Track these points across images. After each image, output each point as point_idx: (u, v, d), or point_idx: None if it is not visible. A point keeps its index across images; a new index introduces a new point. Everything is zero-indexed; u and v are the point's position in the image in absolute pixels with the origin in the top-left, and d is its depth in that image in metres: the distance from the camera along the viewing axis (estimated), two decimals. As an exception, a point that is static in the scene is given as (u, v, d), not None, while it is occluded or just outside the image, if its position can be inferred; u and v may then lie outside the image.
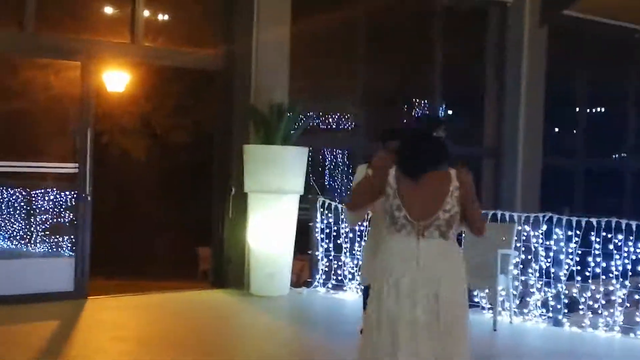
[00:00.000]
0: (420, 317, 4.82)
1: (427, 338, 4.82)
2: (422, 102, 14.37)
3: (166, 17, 11.46)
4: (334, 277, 11.10)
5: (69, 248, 10.37)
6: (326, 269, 11.18)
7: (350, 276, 10.96)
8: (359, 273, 5.94)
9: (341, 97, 13.46)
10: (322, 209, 11.18)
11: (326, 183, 13.78)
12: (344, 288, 10.97)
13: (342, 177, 13.86)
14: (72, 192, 10.36)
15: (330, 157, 13.98)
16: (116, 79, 12.44)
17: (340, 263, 11.06)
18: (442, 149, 5.05)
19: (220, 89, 11.58)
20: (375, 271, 5.03)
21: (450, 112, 14.55)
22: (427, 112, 13.89)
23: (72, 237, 10.31)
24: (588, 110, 15.97)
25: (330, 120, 13.65)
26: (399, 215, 4.88)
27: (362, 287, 5.99)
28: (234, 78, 11.36)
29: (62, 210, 10.51)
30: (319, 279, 11.22)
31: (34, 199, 10.74)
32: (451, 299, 4.89)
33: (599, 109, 16.64)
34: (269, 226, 10.63)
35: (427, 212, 4.87)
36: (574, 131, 15.87)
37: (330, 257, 11.14)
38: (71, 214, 10.37)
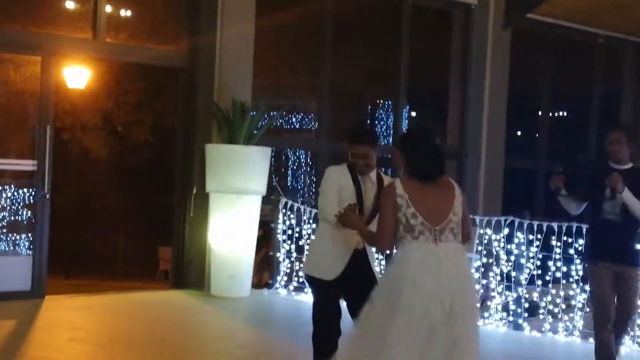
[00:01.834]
0: (441, 319, 4.85)
1: (436, 346, 4.86)
2: (386, 102, 14.36)
3: (129, 12, 11.32)
4: (296, 279, 11.04)
5: (26, 247, 10.22)
6: (287, 271, 11.12)
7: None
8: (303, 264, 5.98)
9: (305, 97, 13.41)
10: (284, 210, 11.11)
11: (289, 184, 13.72)
12: (305, 290, 10.92)
13: (305, 178, 13.81)
14: (31, 190, 10.21)
15: (294, 158, 13.92)
16: (77, 75, 12.28)
17: (302, 265, 11.00)
18: (443, 154, 5.31)
19: (183, 87, 11.47)
20: (390, 278, 5.02)
21: (413, 113, 14.56)
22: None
23: (30, 235, 10.15)
24: (551, 114, 16.05)
25: (294, 120, 13.59)
26: (415, 222, 4.94)
27: (309, 278, 6.01)
28: (197, 75, 11.26)
29: (20, 208, 10.35)
30: (280, 280, 11.16)
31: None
32: (470, 303, 5.01)
33: (561, 113, 16.73)
34: (230, 227, 10.55)
35: (440, 217, 4.98)
36: (537, 134, 15.94)
37: (292, 259, 11.08)
38: (29, 212, 10.21)
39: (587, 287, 9.14)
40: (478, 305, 5.27)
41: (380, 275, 5.77)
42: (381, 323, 4.92)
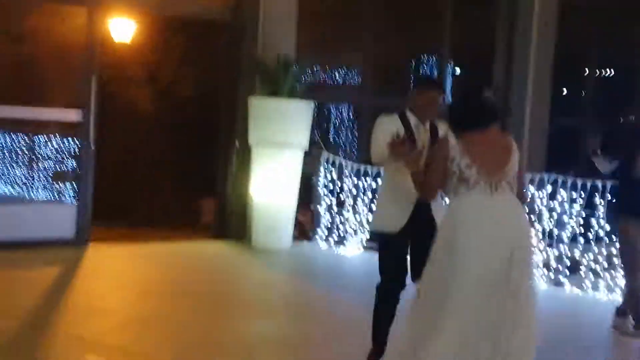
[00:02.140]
0: (500, 267, 4.83)
1: (495, 298, 4.83)
2: (430, 59, 14.26)
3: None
4: (336, 233, 11.08)
5: (71, 196, 10.34)
6: (328, 224, 11.16)
7: (352, 232, 10.93)
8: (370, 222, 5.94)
9: (349, 51, 13.34)
10: (326, 164, 11.13)
11: (331, 138, 13.71)
12: (345, 243, 10.96)
13: (347, 132, 13.79)
14: (76, 140, 10.30)
15: (336, 112, 13.89)
16: (122, 28, 12.31)
17: (342, 219, 11.03)
18: (494, 106, 5.20)
19: (227, 40, 11.47)
20: (445, 229, 5.01)
21: (458, 70, 14.44)
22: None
23: (74, 184, 10.27)
24: (597, 72, 15.83)
25: (337, 74, 13.54)
26: (470, 173, 4.92)
27: (376, 235, 5.93)
28: (241, 29, 11.25)
29: (65, 157, 10.47)
30: (321, 233, 11.20)
31: (37, 145, 10.71)
32: (527, 257, 4.98)
33: (608, 72, 16.49)
34: (272, 180, 10.59)
35: (497, 168, 4.95)
36: (583, 93, 15.75)
37: (333, 213, 11.11)
38: (75, 162, 10.32)
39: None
40: (533, 263, 5.21)
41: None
42: (442, 275, 4.91)
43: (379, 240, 5.88)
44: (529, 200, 5.14)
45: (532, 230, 5.08)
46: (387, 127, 5.63)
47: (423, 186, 5.22)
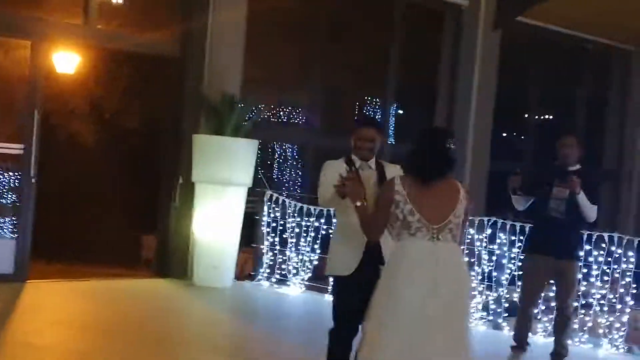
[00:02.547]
0: (437, 314, 4.95)
1: (442, 336, 4.98)
2: (374, 99, 14.41)
3: (120, -1, 11.30)
4: (278, 272, 11.08)
5: (10, 230, 10.20)
6: (271, 263, 11.15)
7: (294, 271, 10.94)
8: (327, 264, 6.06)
9: (294, 91, 13.43)
10: (269, 202, 11.14)
11: (274, 177, 13.75)
12: (288, 282, 10.96)
13: (291, 171, 13.83)
14: (17, 173, 10.19)
15: (280, 151, 13.95)
16: (67, 61, 12.25)
17: (285, 257, 11.04)
18: (453, 158, 5.23)
19: (173, 76, 11.47)
20: (387, 273, 5.12)
21: (401, 111, 14.61)
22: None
23: (14, 218, 10.14)
24: (537, 117, 16.14)
25: (282, 113, 13.61)
26: (412, 219, 4.99)
27: (332, 278, 6.12)
28: (187, 64, 11.26)
29: (5, 191, 10.33)
30: (263, 272, 11.19)
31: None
32: (465, 301, 5.18)
33: (547, 116, 16.83)
34: (215, 217, 10.58)
35: (440, 216, 5.02)
36: (522, 137, 16.04)
37: (276, 251, 11.12)
38: (15, 195, 10.20)
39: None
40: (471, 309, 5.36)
41: None
42: (380, 315, 5.02)
43: (333, 284, 5.98)
44: (461, 244, 5.31)
45: (471, 278, 5.20)
46: (333, 171, 5.69)
47: (367, 226, 5.27)
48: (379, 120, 7.21)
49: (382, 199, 5.13)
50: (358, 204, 5.26)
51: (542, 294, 8.54)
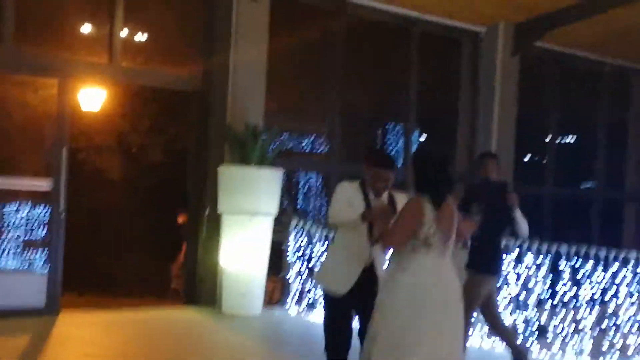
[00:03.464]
0: (446, 318, 5.41)
1: (448, 342, 5.42)
2: (396, 126, 14.52)
3: (144, 37, 11.52)
4: (306, 299, 11.15)
5: (41, 264, 10.35)
6: (299, 290, 11.23)
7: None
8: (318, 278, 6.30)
9: (316, 120, 13.56)
10: (295, 231, 11.24)
11: (299, 205, 13.86)
12: (315, 309, 11.02)
13: (315, 200, 13.94)
14: (46, 208, 10.35)
15: (304, 180, 14.07)
16: (92, 98, 12.46)
17: (312, 285, 11.11)
18: (454, 181, 5.99)
19: (197, 109, 11.65)
20: (407, 285, 5.37)
21: (423, 137, 14.70)
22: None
23: (44, 253, 10.28)
24: (558, 140, 16.18)
25: (305, 142, 13.74)
26: (434, 240, 5.40)
27: (323, 293, 6.22)
28: (210, 98, 11.44)
29: (35, 226, 10.50)
30: (292, 299, 11.27)
31: (6, 214, 10.73)
32: (461, 310, 5.58)
33: (568, 140, 16.87)
34: (242, 246, 10.68)
35: (449, 237, 5.51)
36: (544, 161, 16.07)
37: (302, 279, 11.19)
38: (44, 230, 10.35)
39: (595, 310, 9.27)
40: None
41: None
42: (405, 326, 5.33)
43: (325, 299, 6.12)
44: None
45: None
46: (347, 192, 6.00)
47: (386, 235, 5.53)
48: (393, 157, 7.38)
49: (410, 217, 5.43)
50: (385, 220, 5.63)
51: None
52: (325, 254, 6.27)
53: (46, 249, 10.27)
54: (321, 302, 10.33)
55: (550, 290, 9.57)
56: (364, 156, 6.36)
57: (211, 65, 11.43)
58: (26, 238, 10.62)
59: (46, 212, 10.39)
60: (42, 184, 10.22)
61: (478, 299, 8.23)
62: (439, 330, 5.37)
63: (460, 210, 7.63)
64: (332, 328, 6.02)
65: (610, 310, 9.24)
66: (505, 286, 9.72)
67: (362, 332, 5.85)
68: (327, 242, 10.84)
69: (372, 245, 5.85)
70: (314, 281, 6.36)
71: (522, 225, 8.29)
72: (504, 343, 8.51)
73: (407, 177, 5.94)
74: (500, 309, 9.29)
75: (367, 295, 5.78)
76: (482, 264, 8.22)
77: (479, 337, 9.75)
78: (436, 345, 5.34)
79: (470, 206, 7.96)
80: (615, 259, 9.15)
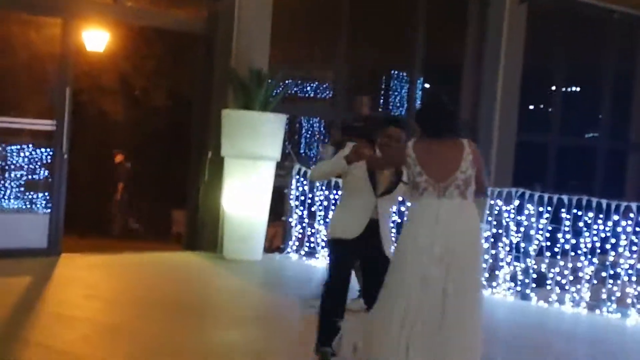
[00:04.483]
0: (434, 273, 5.13)
1: (438, 300, 5.12)
2: (401, 74, 14.44)
3: (150, -23, 11.41)
4: (307, 244, 11.19)
5: (43, 205, 10.37)
6: (299, 236, 11.27)
7: (322, 243, 11.04)
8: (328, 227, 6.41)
9: (321, 66, 13.48)
10: (297, 176, 11.24)
11: (302, 151, 13.84)
12: (316, 255, 11.07)
13: (318, 145, 13.92)
14: (49, 149, 10.34)
15: (307, 126, 14.03)
16: (96, 38, 12.38)
17: (313, 230, 11.15)
18: (457, 115, 5.75)
19: (201, 52, 11.57)
20: (402, 239, 5.35)
21: (427, 85, 14.63)
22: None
23: (47, 194, 10.30)
24: (564, 89, 16.10)
25: (309, 88, 13.68)
26: (420, 180, 5.28)
27: (329, 240, 6.25)
28: (215, 41, 11.36)
29: (37, 167, 10.50)
30: (292, 245, 11.31)
31: (9, 154, 10.73)
32: (465, 257, 5.22)
33: (574, 88, 16.78)
34: (244, 191, 10.69)
35: (446, 174, 5.25)
36: (549, 109, 16.01)
37: (304, 224, 11.22)
38: (47, 171, 10.36)
39: (594, 260, 9.31)
40: (479, 265, 5.55)
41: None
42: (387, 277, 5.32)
43: (332, 249, 6.17)
44: (487, 192, 5.55)
45: (481, 234, 5.44)
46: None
47: (375, 159, 5.76)
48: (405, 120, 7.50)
49: (396, 154, 5.58)
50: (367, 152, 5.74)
51: None
52: (334, 210, 6.30)
53: (48, 190, 10.28)
54: (326, 252, 10.49)
55: (550, 240, 9.60)
56: (382, 119, 6.45)
57: (217, 8, 11.32)
58: (29, 178, 10.62)
59: (49, 153, 10.38)
60: (45, 125, 10.20)
61: None
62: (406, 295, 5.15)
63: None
64: (336, 273, 6.08)
65: (609, 261, 9.27)
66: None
67: (368, 288, 6.00)
68: (328, 190, 10.86)
69: (378, 197, 5.93)
70: (327, 236, 6.42)
71: None
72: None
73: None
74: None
75: (372, 248, 5.95)
76: None
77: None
78: (409, 309, 5.13)
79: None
80: (617, 209, 9.15)
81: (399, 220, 9.48)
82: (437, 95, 5.77)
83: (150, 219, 13.04)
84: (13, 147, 10.71)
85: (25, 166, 10.66)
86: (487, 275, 9.85)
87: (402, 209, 9.56)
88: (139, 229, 13.39)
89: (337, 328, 5.82)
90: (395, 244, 5.47)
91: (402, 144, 5.54)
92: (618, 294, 9.18)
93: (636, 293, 9.07)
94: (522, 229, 9.75)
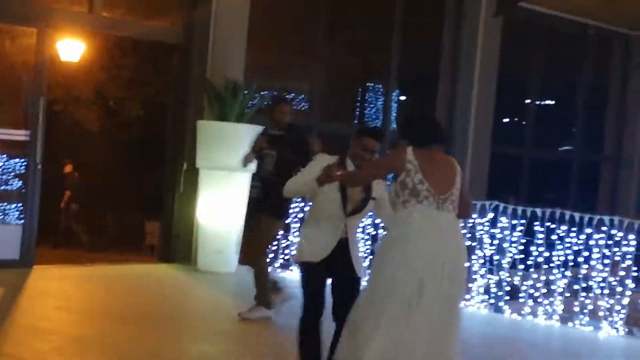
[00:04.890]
0: (434, 279, 5.13)
1: (429, 301, 5.14)
2: (377, 85, 14.48)
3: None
4: (282, 257, 11.17)
5: (16, 216, 10.30)
6: (274, 248, 11.23)
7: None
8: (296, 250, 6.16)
9: (297, 77, 13.50)
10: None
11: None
12: (290, 267, 11.05)
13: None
14: (23, 160, 10.28)
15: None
16: (72, 48, 12.33)
17: (287, 242, 11.13)
18: (443, 127, 5.69)
19: (177, 62, 11.55)
20: (393, 238, 5.28)
21: (403, 97, 14.68)
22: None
23: (20, 205, 10.23)
24: (538, 102, 16.21)
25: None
26: (421, 188, 5.23)
27: (300, 265, 6.02)
28: (190, 52, 11.34)
29: (10, 177, 10.44)
30: (267, 257, 11.26)
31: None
32: (461, 272, 5.31)
33: (548, 102, 16.90)
34: (219, 203, 10.67)
35: (445, 187, 5.28)
36: (523, 122, 16.12)
37: (279, 236, 11.19)
38: (20, 182, 10.29)
39: (567, 273, 9.35)
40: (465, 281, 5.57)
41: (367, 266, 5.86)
42: (386, 278, 5.19)
43: (302, 273, 5.97)
44: (470, 215, 5.52)
45: (466, 250, 5.43)
46: (323, 164, 5.73)
47: (354, 174, 5.61)
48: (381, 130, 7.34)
49: (388, 160, 5.45)
50: (338, 173, 5.55)
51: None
52: (300, 229, 6.14)
53: (21, 201, 10.21)
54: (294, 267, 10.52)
55: (524, 252, 9.64)
56: (357, 130, 6.31)
57: (192, 18, 11.30)
58: (1, 189, 10.54)
59: (22, 163, 10.32)
60: (19, 135, 10.14)
61: (271, 241, 8.53)
62: (407, 298, 5.12)
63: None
64: (309, 295, 5.90)
65: (582, 273, 9.32)
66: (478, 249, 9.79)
67: (336, 308, 5.83)
68: (303, 202, 10.84)
69: (348, 216, 5.78)
70: (293, 260, 6.24)
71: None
72: (256, 282, 8.50)
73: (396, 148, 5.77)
74: None
75: (342, 269, 5.80)
76: (275, 208, 8.24)
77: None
78: (409, 320, 5.12)
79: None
80: (589, 222, 9.21)
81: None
82: (420, 110, 5.74)
83: (122, 230, 12.98)
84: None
85: (-1, 176, 10.59)
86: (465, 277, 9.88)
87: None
88: (85, 239, 13.29)
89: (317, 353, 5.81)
90: (383, 253, 5.32)
91: (401, 151, 5.35)
92: (591, 307, 9.23)
93: (608, 306, 9.12)
94: (495, 242, 9.79)
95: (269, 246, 8.49)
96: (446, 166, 5.35)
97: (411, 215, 5.23)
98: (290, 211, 8.95)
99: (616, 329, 9.05)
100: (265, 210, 8.24)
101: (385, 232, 5.55)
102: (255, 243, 8.40)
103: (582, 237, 9.27)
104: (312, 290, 5.88)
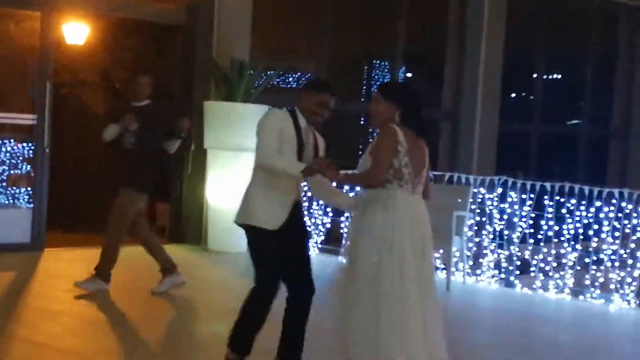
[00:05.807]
0: (416, 259, 5.20)
1: (420, 292, 5.21)
2: (383, 63, 14.44)
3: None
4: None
5: (26, 200, 10.32)
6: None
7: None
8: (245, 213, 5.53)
9: (303, 56, 13.46)
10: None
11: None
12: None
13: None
14: (30, 144, 10.29)
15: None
16: (76, 31, 12.29)
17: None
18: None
19: (182, 44, 11.54)
20: (382, 224, 5.20)
21: (409, 74, 14.64)
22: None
23: (29, 189, 10.25)
24: (545, 77, 16.15)
25: (291, 79, 13.65)
26: (405, 171, 5.23)
27: (249, 229, 5.55)
28: (195, 33, 11.32)
29: (19, 162, 10.45)
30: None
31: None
32: (431, 252, 5.40)
33: (556, 76, 16.84)
34: (228, 182, 10.67)
35: (420, 169, 5.31)
36: (531, 97, 16.06)
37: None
38: (29, 166, 10.31)
39: (578, 246, 9.34)
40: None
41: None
42: (376, 266, 5.18)
43: (255, 238, 5.52)
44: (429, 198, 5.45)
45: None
46: (277, 122, 5.37)
47: (363, 177, 5.33)
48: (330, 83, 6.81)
49: (387, 145, 5.21)
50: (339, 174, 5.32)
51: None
52: (247, 188, 5.62)
53: (31, 185, 10.24)
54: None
55: (534, 227, 9.64)
56: (305, 84, 5.90)
57: (196, -1, 11.28)
58: (11, 173, 10.58)
59: (31, 147, 10.33)
60: (26, 119, 10.15)
61: (131, 215, 8.44)
62: (418, 274, 5.20)
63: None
64: (264, 269, 5.50)
65: (592, 247, 9.31)
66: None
67: (294, 273, 5.58)
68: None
69: (307, 176, 5.23)
70: (235, 220, 5.54)
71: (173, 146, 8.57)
72: (153, 256, 8.54)
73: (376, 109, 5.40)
74: None
75: (296, 232, 5.53)
76: (139, 181, 8.33)
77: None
78: (413, 287, 5.16)
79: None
80: (599, 195, 9.19)
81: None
82: (417, 94, 5.60)
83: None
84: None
85: (7, 161, 10.60)
86: (471, 263, 9.91)
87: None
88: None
89: (251, 340, 5.55)
90: (376, 231, 5.19)
91: (392, 132, 5.18)
92: (601, 280, 9.23)
93: (619, 279, 9.12)
94: (505, 217, 9.79)
95: (127, 219, 8.41)
96: (422, 149, 5.33)
97: (398, 203, 5.17)
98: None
99: (627, 301, 9.05)
100: (132, 183, 8.28)
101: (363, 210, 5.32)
102: (114, 215, 8.41)
103: (592, 210, 9.26)
104: (270, 263, 5.49)
